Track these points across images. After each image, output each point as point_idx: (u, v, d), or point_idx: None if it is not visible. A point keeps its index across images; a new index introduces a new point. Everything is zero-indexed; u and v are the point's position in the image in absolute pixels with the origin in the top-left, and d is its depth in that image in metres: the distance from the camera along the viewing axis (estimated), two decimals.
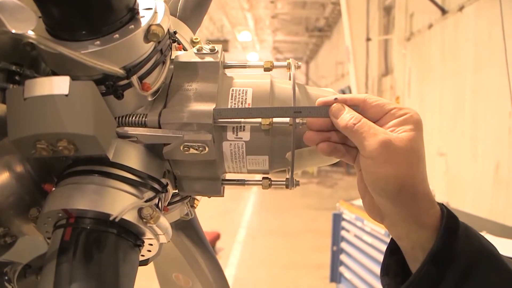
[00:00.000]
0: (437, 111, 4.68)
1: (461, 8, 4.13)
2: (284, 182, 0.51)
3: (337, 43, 11.34)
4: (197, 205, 0.66)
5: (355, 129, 0.41)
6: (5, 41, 0.42)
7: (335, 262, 2.94)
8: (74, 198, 0.39)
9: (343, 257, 2.88)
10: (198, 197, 0.65)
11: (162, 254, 0.78)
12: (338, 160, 0.51)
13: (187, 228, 0.71)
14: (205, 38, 14.11)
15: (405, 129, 0.40)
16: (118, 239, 0.40)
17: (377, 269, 2.40)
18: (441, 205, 0.42)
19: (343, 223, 2.86)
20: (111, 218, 0.38)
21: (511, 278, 0.39)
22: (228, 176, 0.55)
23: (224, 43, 13.07)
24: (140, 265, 0.50)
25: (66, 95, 0.37)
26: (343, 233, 2.86)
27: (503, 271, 0.39)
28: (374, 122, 0.42)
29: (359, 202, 2.79)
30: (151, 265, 0.81)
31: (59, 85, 0.37)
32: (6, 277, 0.44)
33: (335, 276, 2.96)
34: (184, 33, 0.59)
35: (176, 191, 0.53)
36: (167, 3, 0.48)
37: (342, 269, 2.88)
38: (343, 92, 5.16)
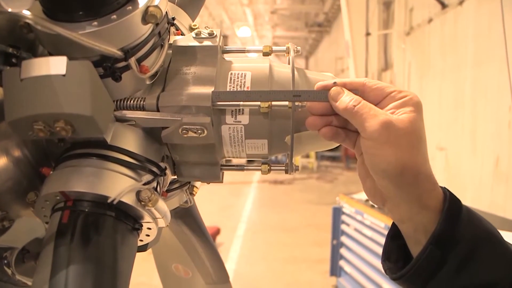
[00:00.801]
0: (437, 106, 4.67)
1: (461, 2, 4.11)
2: (284, 167, 0.51)
3: (336, 38, 11.31)
4: (196, 193, 0.65)
5: (355, 110, 0.40)
6: (1, 24, 0.41)
7: (335, 256, 2.95)
8: (72, 180, 0.39)
9: (343, 251, 2.88)
10: (197, 185, 0.65)
11: (162, 244, 0.78)
12: (336, 145, 0.51)
13: (187, 216, 0.70)
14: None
15: (405, 111, 0.40)
16: (116, 222, 0.40)
17: (378, 263, 2.41)
18: (444, 188, 0.42)
19: (343, 217, 2.86)
20: (109, 201, 0.38)
21: (510, 258, 0.39)
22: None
23: (224, 38, 13.02)
24: (138, 251, 0.50)
25: (63, 75, 0.36)
26: (343, 227, 2.87)
27: (505, 253, 0.39)
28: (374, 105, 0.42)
29: (359, 196, 2.79)
30: (151, 259, 0.81)
31: (56, 65, 0.37)
32: (6, 261, 0.44)
33: (335, 270, 2.97)
34: (183, 20, 0.58)
35: (175, 177, 0.53)
36: None
37: (342, 263, 2.89)
38: None
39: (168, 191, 0.58)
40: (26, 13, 0.37)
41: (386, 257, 0.45)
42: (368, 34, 6.19)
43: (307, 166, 9.67)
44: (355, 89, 0.43)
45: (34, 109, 0.36)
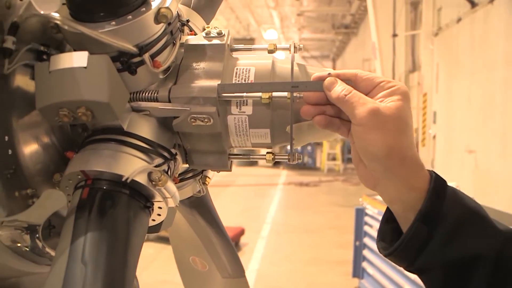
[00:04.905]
0: (465, 107, 4.57)
1: (491, 0, 4.01)
2: (287, 157, 0.55)
3: (363, 40, 11.20)
4: (208, 183, 0.69)
5: (346, 99, 0.44)
6: (35, 25, 0.47)
7: (358, 258, 2.94)
8: (92, 160, 0.44)
9: (365, 252, 2.87)
10: (209, 175, 0.69)
11: (179, 236, 0.81)
12: (337, 137, 0.54)
13: (200, 206, 0.74)
14: (232, 37, 14.20)
15: (393, 100, 0.44)
16: (130, 200, 0.45)
17: None
18: (430, 171, 0.45)
19: (366, 218, 2.85)
20: (123, 179, 0.43)
21: (494, 233, 0.42)
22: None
23: (250, 41, 13.13)
24: (152, 232, 0.55)
25: (85, 67, 0.42)
26: (366, 228, 2.85)
27: (489, 227, 0.42)
28: (365, 95, 0.45)
29: None
30: (171, 259, 0.84)
31: (78, 59, 0.43)
32: (37, 235, 0.49)
33: (358, 272, 2.95)
34: (197, 22, 0.63)
35: (187, 165, 0.57)
36: None
37: (364, 264, 2.87)
38: None
39: (182, 180, 0.62)
40: (55, 15, 0.44)
41: (381, 238, 0.48)
42: (395, 35, 6.11)
43: (334, 169, 9.61)
44: (348, 80, 0.46)
45: (59, 97, 0.42)
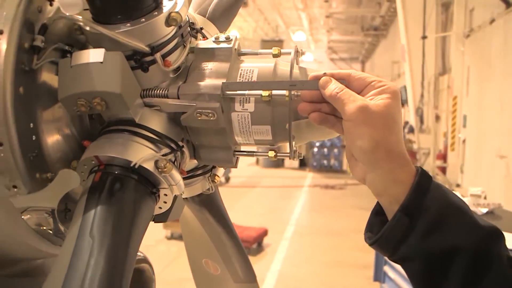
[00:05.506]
0: (497, 111, 4.43)
1: None
2: (288, 154, 0.58)
3: (393, 42, 11.02)
4: (218, 181, 0.72)
5: (338, 96, 0.47)
6: (62, 28, 0.54)
7: (379, 261, 2.91)
8: (105, 147, 0.50)
9: None
10: (218, 173, 0.72)
11: (192, 238, 0.84)
12: (336, 135, 0.57)
13: (210, 205, 0.76)
14: (260, 39, 14.35)
15: (382, 98, 0.46)
16: (137, 184, 0.49)
17: None
18: (417, 166, 0.47)
19: None
20: (131, 164, 0.48)
21: (474, 228, 0.44)
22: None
23: (279, 43, 13.16)
24: (159, 221, 0.60)
25: (101, 63, 0.48)
26: None
27: (470, 222, 0.44)
28: (358, 93, 0.48)
29: None
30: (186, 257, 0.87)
31: (96, 55, 0.49)
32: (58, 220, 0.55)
33: (379, 276, 2.92)
34: (211, 31, 0.68)
35: (196, 162, 0.62)
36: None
37: (386, 268, 2.84)
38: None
39: (191, 176, 0.67)
40: (79, 17, 0.50)
41: (369, 229, 0.50)
42: (424, 37, 6.00)
43: None
44: (342, 79, 0.49)
45: (78, 88, 0.48)
